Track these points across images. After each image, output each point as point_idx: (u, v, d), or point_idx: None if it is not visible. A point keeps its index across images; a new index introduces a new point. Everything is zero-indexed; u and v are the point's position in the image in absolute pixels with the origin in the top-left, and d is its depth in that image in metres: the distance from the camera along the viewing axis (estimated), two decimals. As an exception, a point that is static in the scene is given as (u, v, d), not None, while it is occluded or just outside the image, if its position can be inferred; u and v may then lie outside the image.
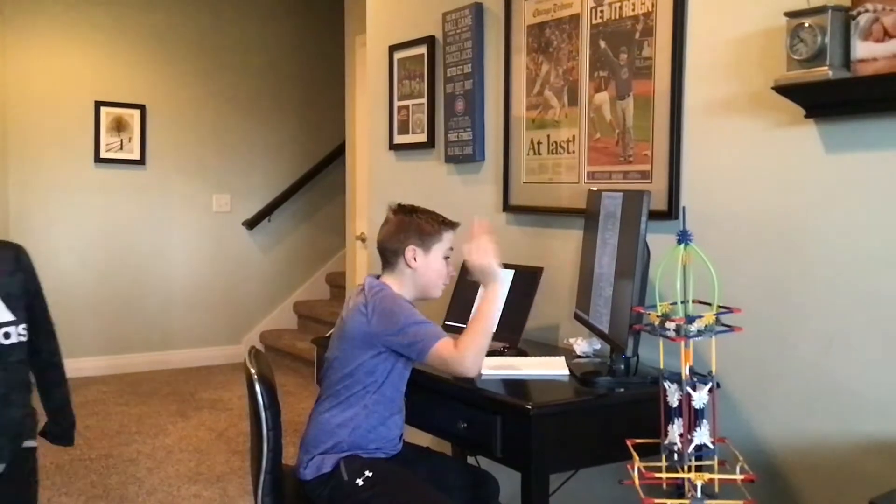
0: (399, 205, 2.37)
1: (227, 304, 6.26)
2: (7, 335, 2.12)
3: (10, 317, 2.12)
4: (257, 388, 2.18)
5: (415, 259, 2.25)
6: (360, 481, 2.12)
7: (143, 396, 5.35)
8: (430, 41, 3.35)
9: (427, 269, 2.26)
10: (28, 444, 2.25)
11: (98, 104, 5.83)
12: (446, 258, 2.29)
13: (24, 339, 2.16)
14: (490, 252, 2.16)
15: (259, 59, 6.48)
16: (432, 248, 2.27)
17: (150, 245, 6.10)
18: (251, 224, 6.36)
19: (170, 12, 6.10)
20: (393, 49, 3.58)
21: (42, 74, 5.68)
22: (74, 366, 5.75)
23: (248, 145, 6.48)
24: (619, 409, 2.15)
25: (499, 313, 2.23)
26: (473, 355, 2.08)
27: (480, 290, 2.26)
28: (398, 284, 2.28)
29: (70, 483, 3.81)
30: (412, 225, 2.28)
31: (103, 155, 5.88)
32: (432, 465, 2.36)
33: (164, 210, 6.13)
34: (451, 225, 2.32)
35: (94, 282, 5.92)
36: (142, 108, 5.99)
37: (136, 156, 6.00)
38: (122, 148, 5.94)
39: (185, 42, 6.18)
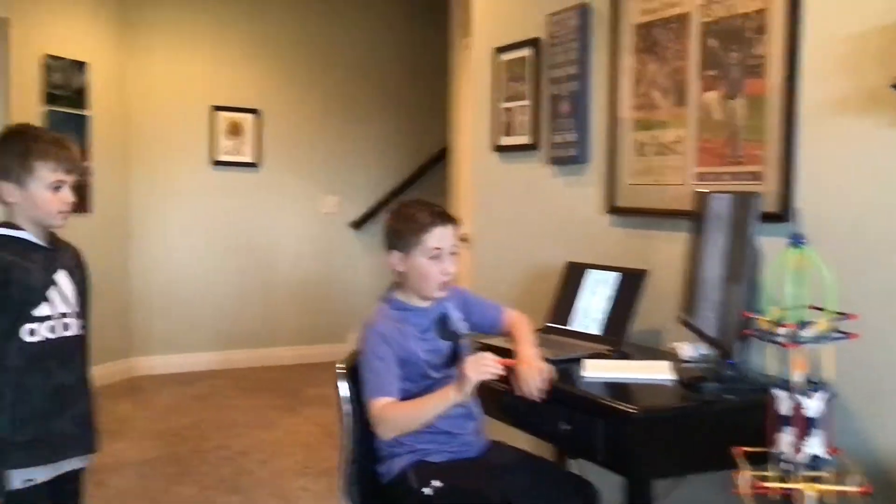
0: (399, 204, 2.35)
1: (334, 303, 6.40)
2: (80, 326, 2.19)
3: (79, 308, 2.20)
4: (339, 382, 2.27)
5: (399, 263, 2.23)
6: (427, 490, 2.12)
7: (252, 391, 5.54)
8: (535, 43, 3.35)
9: (413, 271, 2.21)
10: (93, 457, 2.29)
11: (214, 109, 6.08)
12: (433, 258, 2.20)
13: (85, 332, 2.25)
14: (483, 374, 2.04)
15: (366, 63, 6.61)
16: (411, 252, 2.20)
17: (261, 244, 6.31)
18: (357, 224, 6.50)
19: (282, 20, 6.31)
20: (498, 51, 3.59)
21: (163, 81, 5.96)
22: (190, 360, 6.07)
23: (356, 148, 6.62)
24: (726, 415, 2.10)
25: (436, 412, 2.10)
26: (391, 428, 2.11)
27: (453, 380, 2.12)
28: (401, 288, 2.28)
29: (185, 473, 3.98)
30: (389, 229, 2.25)
31: (219, 158, 6.12)
32: (530, 469, 2.34)
33: (276, 211, 6.34)
34: (433, 223, 2.20)
35: (208, 280, 6.16)
36: (256, 112, 6.20)
37: (251, 158, 6.22)
38: (237, 151, 6.17)
39: (297, 48, 6.37)
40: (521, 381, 2.15)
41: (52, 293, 2.11)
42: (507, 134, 3.56)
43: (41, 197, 2.08)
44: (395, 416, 2.11)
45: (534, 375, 2.14)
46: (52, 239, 2.19)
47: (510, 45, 3.51)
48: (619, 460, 2.04)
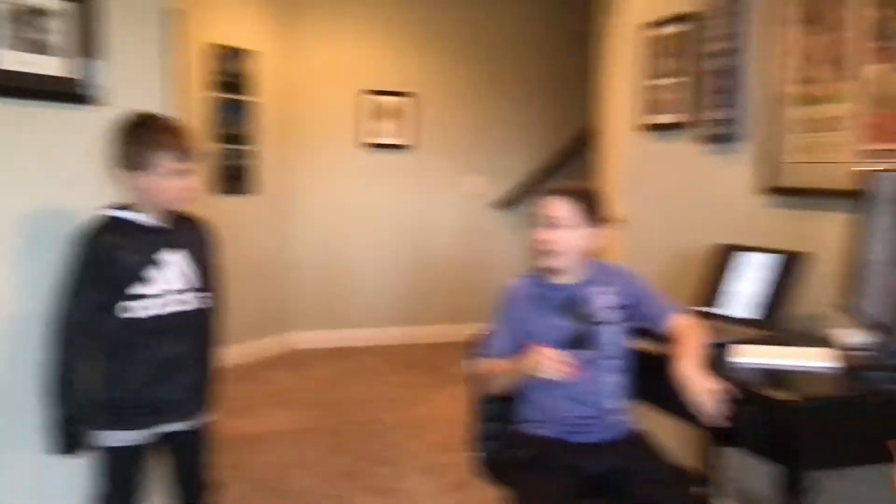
0: None
1: (480, 282, 6.45)
2: (197, 300, 2.30)
3: (199, 284, 2.30)
4: (467, 347, 2.45)
5: None
6: (520, 454, 2.25)
7: (401, 367, 5.69)
8: (688, 17, 3.24)
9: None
10: (206, 419, 2.40)
11: (371, 92, 6.24)
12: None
13: (209, 305, 2.35)
14: (538, 370, 2.11)
15: (513, 44, 6.61)
16: None
17: (412, 224, 6.46)
18: (506, 205, 6.53)
19: (435, 4, 6.40)
20: (648, 26, 3.50)
21: (321, 67, 6.16)
22: (344, 336, 6.30)
23: (505, 129, 6.64)
24: (891, 406, 1.98)
25: (506, 381, 2.29)
26: (477, 386, 2.36)
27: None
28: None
29: (341, 444, 4.14)
30: None
31: (378, 140, 6.28)
32: (639, 466, 2.23)
33: (430, 192, 6.47)
34: None
35: (362, 259, 6.36)
36: (412, 95, 6.33)
37: (406, 140, 6.36)
38: (391, 133, 6.33)
39: (447, 31, 6.44)
40: (691, 405, 2.07)
41: (151, 273, 2.21)
42: (659, 112, 3.47)
43: (161, 185, 2.19)
44: (478, 374, 2.27)
45: (702, 397, 2.05)
46: (176, 217, 2.29)
47: (661, 21, 3.42)
48: (776, 450, 1.97)
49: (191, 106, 5.11)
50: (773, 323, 2.50)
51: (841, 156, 2.53)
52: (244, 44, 5.63)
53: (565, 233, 2.26)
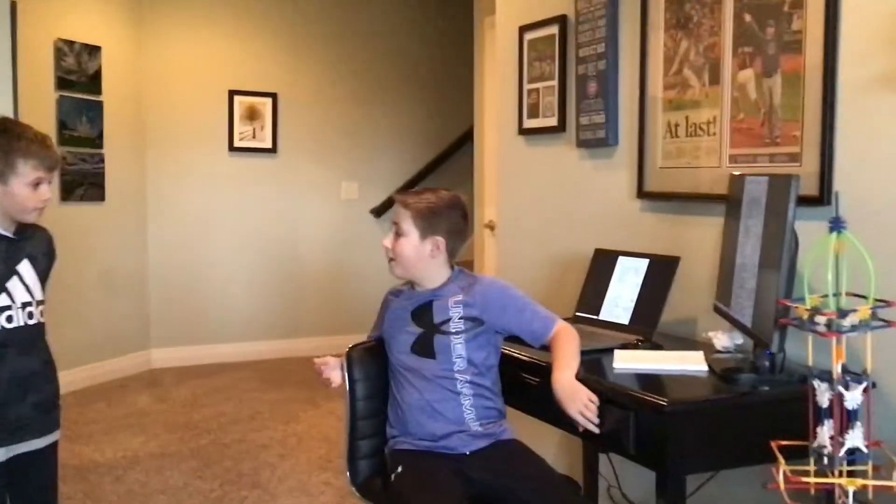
0: None
1: (356, 292, 6.42)
2: (42, 313, 2.30)
3: (41, 296, 2.30)
4: (345, 363, 2.49)
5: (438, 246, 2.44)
6: (392, 475, 2.28)
7: (273, 384, 5.59)
8: (561, 21, 3.33)
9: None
10: (56, 436, 2.36)
11: (232, 93, 6.11)
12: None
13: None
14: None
15: (386, 45, 6.63)
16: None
17: (281, 232, 6.36)
18: (379, 212, 6.52)
19: (298, 1, 6.32)
20: (523, 30, 3.57)
21: (178, 65, 6.00)
22: (210, 352, 6.13)
23: (376, 132, 6.64)
24: (763, 408, 2.09)
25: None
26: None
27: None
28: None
29: (206, 468, 4.03)
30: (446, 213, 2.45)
31: (237, 143, 6.16)
32: (513, 468, 2.29)
33: (295, 198, 6.37)
34: None
35: (227, 269, 6.22)
36: (273, 96, 6.23)
37: (269, 144, 6.25)
38: (254, 136, 6.21)
39: (315, 29, 6.40)
40: (563, 411, 2.16)
41: (12, 284, 2.20)
42: (534, 116, 3.54)
43: (20, 194, 2.18)
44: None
45: (574, 404, 2.14)
46: (22, 227, 2.27)
47: (536, 24, 3.49)
48: (650, 455, 2.03)
49: (35, 106, 4.85)
50: (649, 328, 2.59)
51: (712, 160, 2.65)
52: (92, 39, 5.40)
53: (404, 241, 2.37)
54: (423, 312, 2.38)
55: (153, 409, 4.99)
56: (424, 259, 2.38)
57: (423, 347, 2.36)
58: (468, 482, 2.22)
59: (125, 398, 5.21)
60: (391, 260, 2.41)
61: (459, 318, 2.35)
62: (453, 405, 2.34)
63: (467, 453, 2.31)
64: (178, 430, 4.58)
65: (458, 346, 2.34)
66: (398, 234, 2.38)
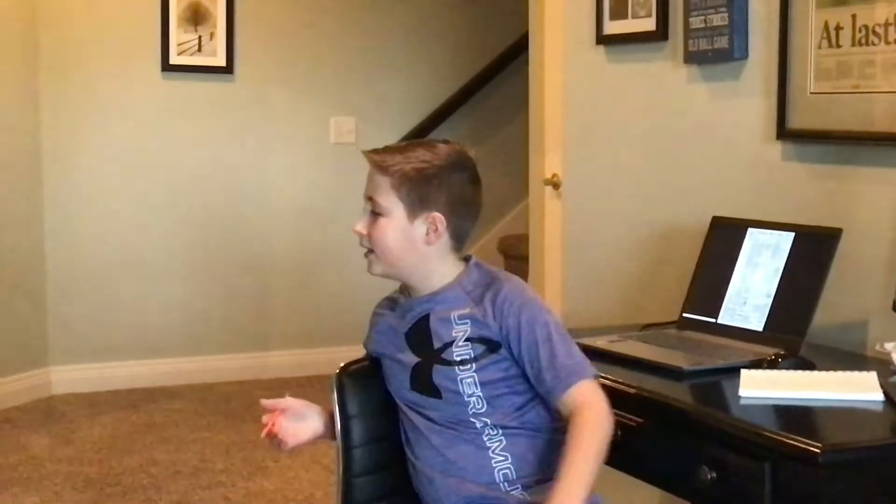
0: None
1: (349, 285, 6.42)
2: None
3: None
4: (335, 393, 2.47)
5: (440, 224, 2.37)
6: None
7: (231, 418, 5.63)
8: None
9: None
10: None
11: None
12: None
13: None
14: None
15: None
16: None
17: (239, 194, 6.38)
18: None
19: None
20: None
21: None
22: (134, 371, 6.18)
23: (383, 45, 6.64)
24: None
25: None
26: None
27: None
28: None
29: (130, 540, 4.08)
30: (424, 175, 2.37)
31: (174, 60, 6.18)
32: None
33: (261, 141, 6.39)
34: None
35: (162, 248, 6.26)
36: (229, -13, 6.25)
37: (221, 60, 6.27)
38: (200, 49, 6.22)
39: None
40: None
41: None
42: (620, 16, 3.53)
43: None
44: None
45: None
46: None
47: None
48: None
49: None
50: (794, 335, 2.58)
51: (892, 81, 2.62)
52: None
53: (384, 223, 2.33)
54: (420, 332, 2.37)
55: (54, 456, 5.04)
56: (416, 248, 2.33)
57: (424, 384, 2.35)
58: None
59: (13, 439, 5.27)
60: (368, 252, 2.38)
61: (466, 340, 2.31)
62: (476, 458, 2.32)
63: None
64: (90, 488, 4.63)
65: (468, 381, 2.31)
66: (375, 214, 2.34)
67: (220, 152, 6.36)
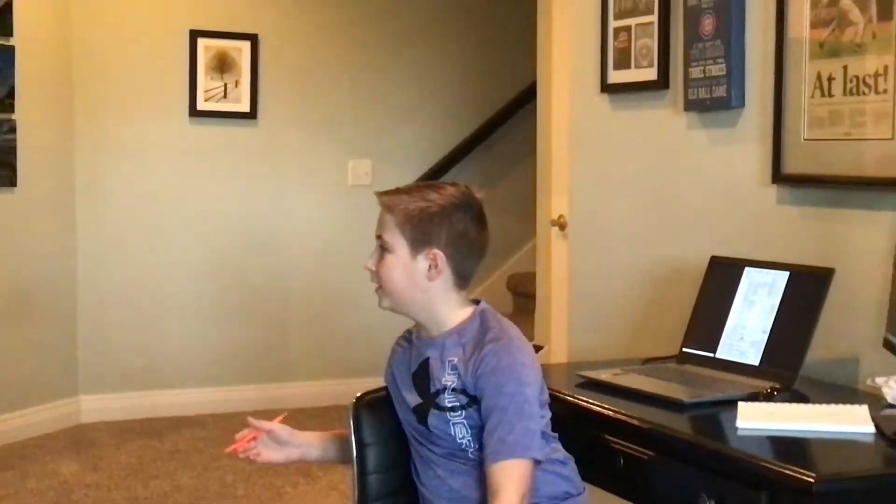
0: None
1: (366, 320, 6.41)
2: None
3: None
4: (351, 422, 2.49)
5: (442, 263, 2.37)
6: None
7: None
8: (663, -70, 3.34)
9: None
10: None
11: (194, 35, 6.17)
12: None
13: None
14: None
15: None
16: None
17: (262, 232, 6.40)
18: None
19: None
20: (607, -56, 3.58)
21: (120, -3, 6.09)
22: (158, 400, 6.17)
23: (398, 93, 6.66)
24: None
25: None
26: None
27: None
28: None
29: (154, 563, 4.07)
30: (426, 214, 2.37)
31: (201, 106, 6.22)
32: None
33: (282, 183, 6.42)
34: None
35: (188, 283, 6.27)
36: (252, 38, 6.29)
37: (245, 107, 6.31)
38: (225, 96, 6.26)
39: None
40: None
41: None
42: (623, 66, 3.54)
43: None
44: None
45: None
46: None
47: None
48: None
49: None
50: (789, 370, 2.57)
51: (881, 129, 2.63)
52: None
53: (390, 259, 2.33)
54: (422, 374, 2.37)
55: (82, 481, 5.04)
56: (419, 283, 2.33)
57: (424, 423, 2.35)
58: None
59: (44, 465, 5.26)
60: (378, 288, 2.38)
61: (453, 390, 2.31)
62: (478, 487, 2.30)
63: None
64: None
65: (459, 425, 2.31)
66: (383, 251, 2.34)
67: (243, 193, 6.38)
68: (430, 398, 2.32)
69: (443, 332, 2.35)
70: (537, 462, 2.24)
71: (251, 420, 2.46)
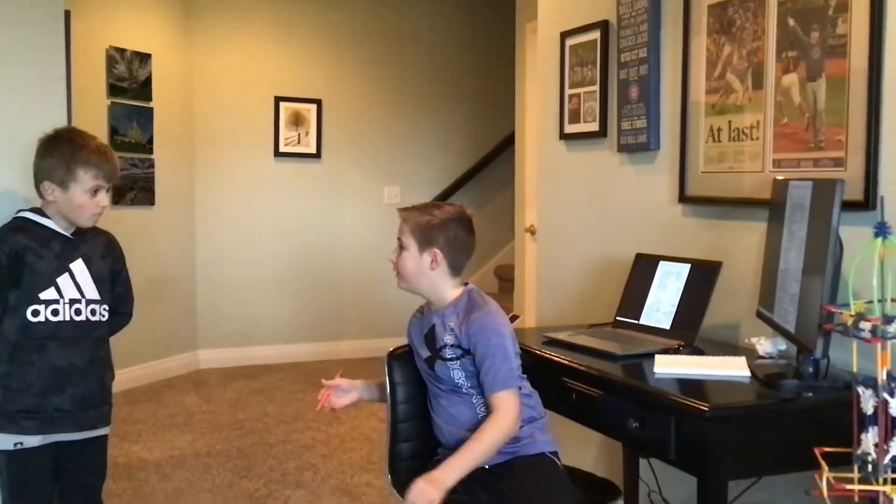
0: None
1: (396, 297, 6.44)
2: (94, 312, 2.38)
3: (97, 296, 2.39)
4: (386, 368, 2.50)
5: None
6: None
7: (316, 385, 5.61)
8: (603, 26, 3.32)
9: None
10: (100, 431, 2.44)
11: (277, 99, 6.18)
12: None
13: (105, 318, 2.42)
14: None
15: (429, 50, 6.66)
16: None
17: (324, 236, 6.41)
18: (421, 216, 6.55)
19: (342, 7, 6.38)
20: (565, 35, 3.57)
21: (225, 72, 6.09)
22: (252, 353, 6.19)
23: (419, 137, 6.68)
24: (806, 414, 2.06)
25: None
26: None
27: None
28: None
29: (250, 467, 4.07)
30: None
31: (282, 149, 6.23)
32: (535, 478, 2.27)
33: (338, 202, 6.42)
34: None
35: (272, 273, 6.29)
36: (318, 102, 6.29)
37: (313, 149, 6.31)
38: (299, 142, 6.27)
39: (359, 36, 6.45)
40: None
41: (63, 280, 2.32)
42: (575, 121, 3.53)
43: (78, 200, 2.31)
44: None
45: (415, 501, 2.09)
46: (81, 229, 2.39)
47: (577, 29, 3.48)
48: (691, 460, 2.02)
49: (88, 113, 4.95)
50: (691, 333, 2.57)
51: (755, 165, 2.62)
52: (143, 47, 5.50)
53: (405, 254, 2.35)
54: (431, 335, 2.37)
55: (200, 409, 5.06)
56: (425, 272, 2.34)
57: (433, 369, 2.37)
58: (478, 499, 2.19)
59: (173, 398, 5.29)
60: (397, 274, 2.40)
61: (451, 346, 2.31)
62: (468, 413, 2.32)
63: (486, 468, 2.25)
64: (224, 430, 4.64)
65: (456, 371, 2.32)
66: (401, 248, 2.36)
67: (310, 211, 6.39)
68: (436, 352, 2.33)
69: (443, 306, 2.36)
70: (520, 388, 2.27)
71: (324, 381, 2.52)
